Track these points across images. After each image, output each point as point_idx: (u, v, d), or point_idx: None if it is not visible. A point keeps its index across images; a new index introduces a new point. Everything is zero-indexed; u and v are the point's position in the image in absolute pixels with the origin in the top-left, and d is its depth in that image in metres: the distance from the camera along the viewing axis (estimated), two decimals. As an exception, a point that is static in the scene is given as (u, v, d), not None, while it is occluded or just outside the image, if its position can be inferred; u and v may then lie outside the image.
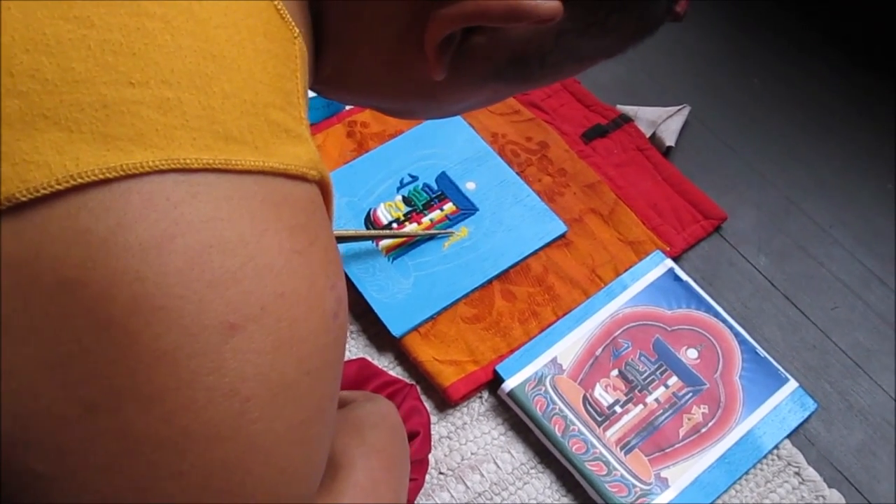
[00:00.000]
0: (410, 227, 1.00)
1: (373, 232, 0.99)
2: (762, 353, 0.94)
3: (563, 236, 1.02)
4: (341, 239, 0.96)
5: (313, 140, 0.44)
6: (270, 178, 0.40)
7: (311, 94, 0.57)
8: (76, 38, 0.36)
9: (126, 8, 0.37)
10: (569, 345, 0.93)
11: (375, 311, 0.93)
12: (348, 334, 0.94)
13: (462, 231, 1.01)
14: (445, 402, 0.90)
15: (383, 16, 0.48)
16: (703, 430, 0.88)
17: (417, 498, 0.83)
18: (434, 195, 1.03)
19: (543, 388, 0.90)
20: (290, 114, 0.42)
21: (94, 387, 0.36)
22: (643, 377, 0.91)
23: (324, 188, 0.45)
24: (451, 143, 1.08)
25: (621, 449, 0.87)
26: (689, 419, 0.89)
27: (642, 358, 0.93)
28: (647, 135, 1.13)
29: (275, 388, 0.39)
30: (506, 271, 0.98)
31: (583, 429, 0.87)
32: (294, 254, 0.40)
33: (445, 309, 0.95)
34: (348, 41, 0.50)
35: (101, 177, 0.35)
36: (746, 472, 0.87)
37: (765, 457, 0.88)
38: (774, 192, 1.11)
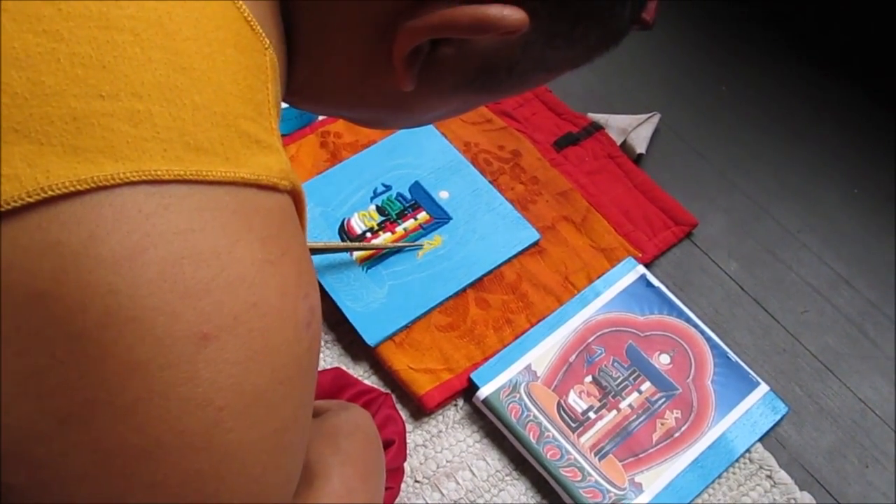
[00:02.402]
0: (384, 237, 1.01)
1: (345, 244, 0.99)
2: (733, 357, 0.95)
3: (536, 244, 1.02)
4: (314, 251, 0.96)
5: (286, 151, 0.44)
6: (242, 189, 0.40)
7: (284, 104, 0.57)
8: (46, 52, 0.36)
9: (95, 21, 0.37)
10: (543, 352, 0.94)
11: (350, 320, 0.93)
12: (323, 344, 0.94)
13: (436, 240, 1.01)
14: (420, 410, 0.91)
15: (351, 29, 0.48)
16: (676, 434, 0.89)
17: (393, 506, 0.83)
18: (408, 204, 1.04)
19: (518, 395, 0.90)
20: (260, 125, 0.42)
21: (67, 399, 0.36)
22: (616, 383, 0.92)
23: (296, 198, 0.45)
24: (424, 153, 1.08)
25: (595, 454, 0.87)
26: (662, 424, 0.90)
27: (615, 364, 0.93)
28: (618, 142, 1.14)
29: (248, 398, 0.39)
30: (480, 279, 0.99)
31: (557, 435, 0.88)
32: (266, 264, 0.40)
33: (420, 317, 0.95)
34: (318, 54, 0.50)
35: (72, 189, 0.35)
36: (719, 476, 0.88)
37: (737, 460, 0.89)
38: (743, 198, 1.13)
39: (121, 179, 0.36)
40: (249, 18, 0.43)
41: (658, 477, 0.87)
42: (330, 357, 0.93)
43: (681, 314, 0.98)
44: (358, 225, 1.02)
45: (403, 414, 0.89)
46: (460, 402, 0.92)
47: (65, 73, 0.36)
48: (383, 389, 0.90)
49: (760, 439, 0.91)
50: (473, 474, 0.87)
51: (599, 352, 0.94)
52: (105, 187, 0.36)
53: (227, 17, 0.42)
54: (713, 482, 0.88)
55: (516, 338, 0.95)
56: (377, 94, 0.53)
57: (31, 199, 0.35)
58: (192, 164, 0.38)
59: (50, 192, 0.35)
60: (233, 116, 0.40)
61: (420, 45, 0.47)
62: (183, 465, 0.38)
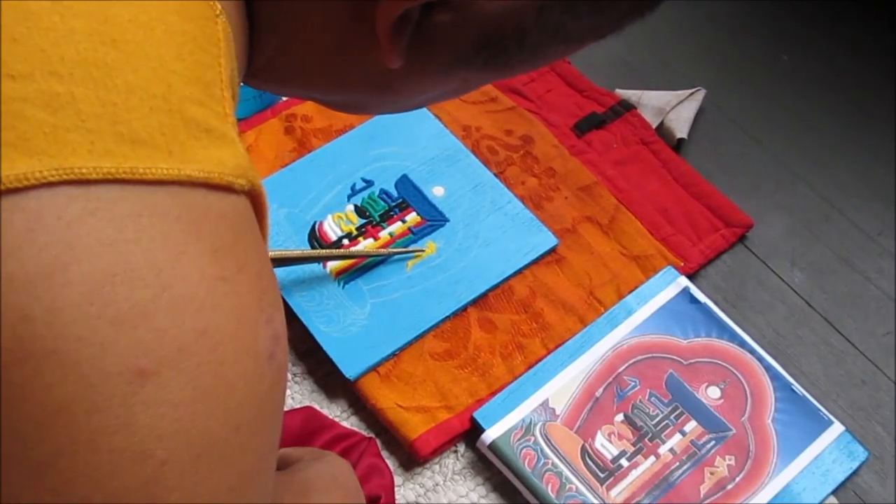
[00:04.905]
0: (365, 244, 1.01)
1: (318, 252, 0.99)
2: (799, 390, 0.95)
3: (553, 251, 1.02)
4: (279, 261, 0.95)
5: (242, 139, 0.44)
6: (188, 190, 0.40)
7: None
8: None
9: None
10: (563, 384, 0.94)
11: (324, 348, 0.93)
12: (290, 378, 0.94)
13: (429, 247, 1.01)
14: (412, 458, 0.90)
15: None
16: (730, 486, 0.89)
17: (380, 578, 0.83)
18: (394, 204, 1.04)
19: (533, 439, 0.90)
20: (211, 109, 0.42)
21: None
22: (654, 423, 0.92)
23: (255, 200, 0.45)
24: (413, 140, 1.08)
25: (629, 512, 0.88)
26: (711, 473, 0.90)
27: (653, 399, 0.93)
28: (654, 125, 1.14)
29: (197, 448, 0.39)
30: (484, 295, 0.99)
31: (582, 488, 0.88)
32: (218, 281, 0.40)
33: (410, 343, 0.95)
34: (286, 25, 0.50)
35: None
36: (783, 537, 0.88)
37: (805, 517, 0.89)
38: (810, 193, 1.13)
39: (36, 180, 0.36)
40: (195, -22, 0.43)
41: (707, 539, 0.87)
42: (299, 394, 0.93)
43: (733, 337, 0.98)
44: (332, 230, 1.02)
45: (391, 463, 0.89)
46: (462, 448, 0.92)
47: None
48: (366, 433, 0.90)
49: (834, 491, 0.91)
50: (478, 538, 0.87)
51: (633, 384, 0.94)
52: (17, 189, 0.36)
53: (169, -24, 0.42)
54: (776, 545, 0.88)
55: (529, 367, 0.95)
56: (357, 73, 0.53)
57: None
58: (125, 159, 0.38)
59: None
60: (176, 99, 0.40)
61: (409, 11, 0.47)
62: (116, 534, 0.38)
